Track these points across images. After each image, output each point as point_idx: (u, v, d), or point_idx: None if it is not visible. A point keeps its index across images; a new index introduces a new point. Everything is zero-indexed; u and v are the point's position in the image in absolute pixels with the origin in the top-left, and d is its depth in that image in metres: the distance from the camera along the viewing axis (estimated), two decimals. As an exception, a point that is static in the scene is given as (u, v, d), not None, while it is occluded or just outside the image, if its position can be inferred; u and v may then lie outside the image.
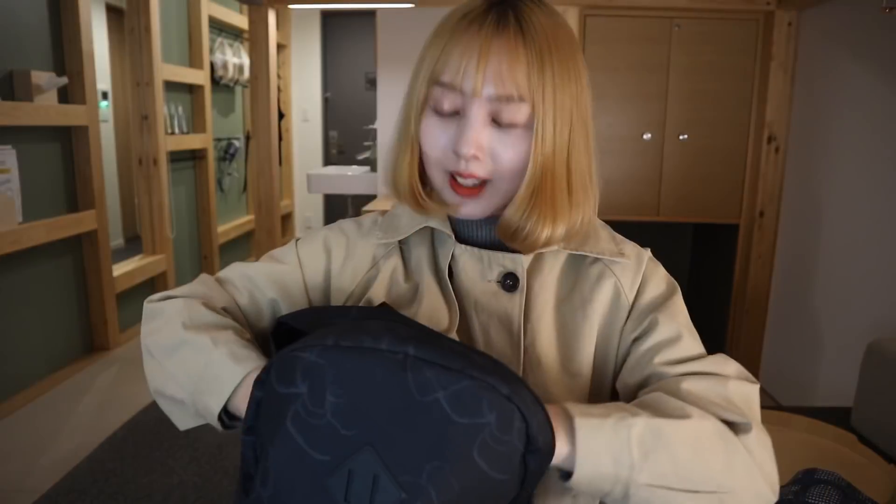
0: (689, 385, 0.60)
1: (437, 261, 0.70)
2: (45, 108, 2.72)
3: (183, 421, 0.67)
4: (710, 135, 2.81)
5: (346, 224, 0.76)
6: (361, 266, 0.72)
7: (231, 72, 4.71)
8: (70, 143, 3.00)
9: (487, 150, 0.62)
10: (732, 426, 0.58)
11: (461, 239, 0.70)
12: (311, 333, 0.55)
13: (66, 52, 2.94)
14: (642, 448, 0.53)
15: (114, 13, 4.68)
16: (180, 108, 4.08)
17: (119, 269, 3.42)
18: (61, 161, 2.95)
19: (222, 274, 0.75)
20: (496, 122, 0.62)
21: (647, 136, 2.82)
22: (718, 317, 3.09)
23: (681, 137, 2.82)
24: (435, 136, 0.64)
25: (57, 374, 2.92)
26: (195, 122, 4.33)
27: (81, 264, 3.12)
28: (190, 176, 4.34)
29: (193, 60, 4.26)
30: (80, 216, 3.00)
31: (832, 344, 2.38)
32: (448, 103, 0.62)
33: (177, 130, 4.03)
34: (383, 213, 0.77)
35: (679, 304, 0.68)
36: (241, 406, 0.60)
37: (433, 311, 0.67)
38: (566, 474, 0.54)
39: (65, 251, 3.00)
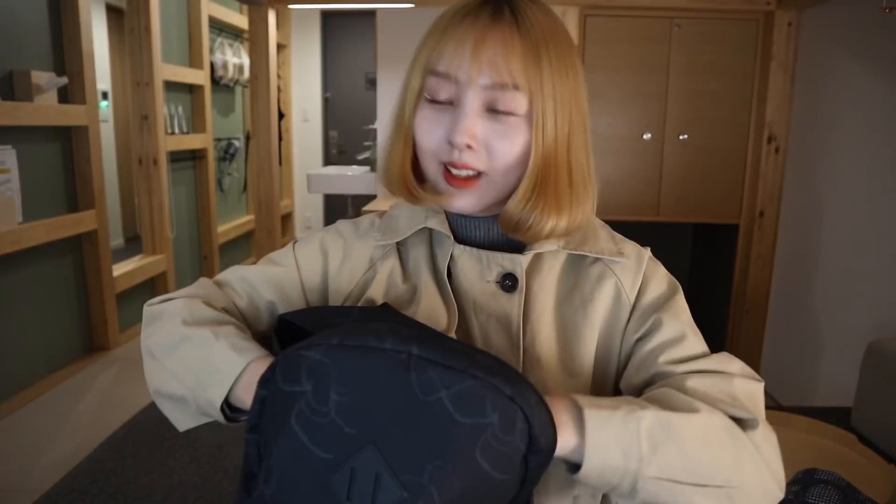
0: (694, 382, 0.60)
1: (436, 261, 0.70)
2: (45, 108, 2.72)
3: (183, 421, 0.67)
4: (710, 135, 2.82)
5: (344, 226, 0.76)
6: (359, 267, 0.72)
7: (231, 72, 4.71)
8: (70, 143, 3.00)
9: (482, 141, 0.62)
10: (739, 422, 0.58)
11: (460, 239, 0.70)
12: (314, 332, 0.55)
13: (66, 52, 2.94)
14: (651, 441, 0.53)
15: (114, 13, 4.68)
16: (180, 108, 4.08)
17: (119, 269, 3.43)
18: (61, 161, 2.95)
19: (220, 277, 0.75)
20: (492, 112, 0.61)
21: (647, 136, 2.82)
22: (718, 317, 3.09)
23: (681, 137, 2.82)
24: (429, 127, 0.64)
25: (57, 374, 2.92)
26: (195, 122, 4.33)
27: (81, 264, 3.13)
28: (190, 176, 4.34)
29: (193, 60, 4.26)
30: (80, 216, 3.00)
31: (832, 344, 2.38)
32: (443, 93, 0.62)
33: (177, 130, 4.03)
34: (381, 214, 0.76)
35: (681, 304, 0.68)
36: (243, 397, 0.60)
37: (431, 311, 0.67)
38: (574, 467, 0.54)
39: (65, 251, 3.00)
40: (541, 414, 0.50)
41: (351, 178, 3.86)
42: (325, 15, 5.87)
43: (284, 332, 0.65)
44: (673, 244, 3.45)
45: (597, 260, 0.69)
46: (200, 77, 4.25)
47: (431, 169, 0.66)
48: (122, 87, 5.09)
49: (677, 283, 0.71)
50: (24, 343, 2.74)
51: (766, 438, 0.58)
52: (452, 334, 0.66)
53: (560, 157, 0.63)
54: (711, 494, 0.54)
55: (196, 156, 4.37)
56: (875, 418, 1.66)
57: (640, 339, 0.66)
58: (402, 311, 0.67)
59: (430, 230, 0.71)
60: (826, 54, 2.49)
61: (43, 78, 2.70)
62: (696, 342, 0.65)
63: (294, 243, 0.76)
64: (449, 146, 0.62)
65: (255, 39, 3.00)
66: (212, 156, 4.48)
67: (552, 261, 0.69)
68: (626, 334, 0.68)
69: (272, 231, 3.12)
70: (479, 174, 0.63)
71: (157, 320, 0.68)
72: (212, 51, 4.47)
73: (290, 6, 3.28)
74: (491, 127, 0.62)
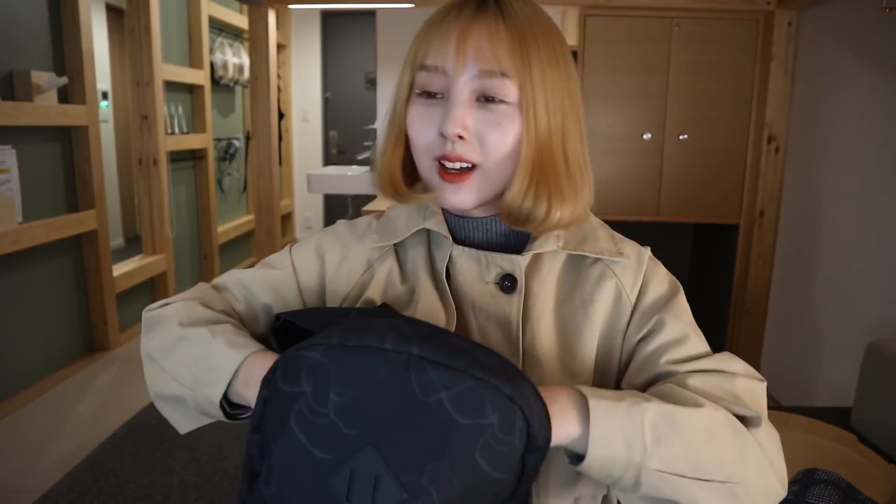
0: (695, 381, 0.60)
1: (434, 262, 0.70)
2: (45, 108, 2.72)
3: (184, 423, 0.67)
4: (710, 135, 2.82)
5: (340, 228, 0.76)
6: (356, 269, 0.72)
7: (231, 72, 4.71)
8: (70, 143, 3.00)
9: (474, 131, 0.62)
10: (743, 420, 0.58)
11: (458, 240, 0.70)
12: (313, 331, 0.55)
13: (66, 52, 2.94)
14: (655, 433, 0.52)
15: (114, 13, 4.68)
16: (180, 108, 4.08)
17: (119, 269, 3.43)
18: (61, 161, 2.95)
19: (218, 281, 0.75)
20: (482, 102, 0.61)
21: (647, 136, 2.82)
22: (718, 317, 3.09)
23: (681, 137, 2.82)
24: (421, 122, 0.64)
25: (57, 374, 2.92)
26: (195, 122, 4.33)
27: (81, 264, 3.13)
28: (190, 176, 4.34)
29: (193, 60, 4.26)
30: (80, 216, 3.00)
31: (832, 344, 2.38)
32: (433, 86, 0.62)
33: (177, 130, 4.03)
34: (379, 215, 0.76)
35: (682, 304, 0.68)
36: (241, 393, 0.60)
37: (429, 312, 0.66)
38: (577, 458, 0.54)
39: (65, 251, 3.00)
40: (539, 412, 0.50)
41: (351, 178, 3.86)
42: (325, 15, 5.87)
43: (282, 332, 0.65)
44: (673, 244, 3.45)
45: (597, 260, 0.69)
46: (200, 77, 4.25)
47: (426, 166, 0.65)
48: (122, 87, 5.10)
49: (678, 282, 0.71)
50: (24, 343, 2.74)
51: (768, 436, 0.58)
52: None
53: (555, 146, 0.63)
54: (714, 489, 0.54)
55: (196, 156, 4.37)
56: (875, 418, 1.66)
57: (641, 340, 0.66)
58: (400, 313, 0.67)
59: (429, 231, 0.71)
60: (826, 54, 2.49)
61: (43, 78, 2.70)
62: (698, 342, 0.65)
63: (291, 246, 0.76)
64: (442, 139, 0.62)
65: (255, 39, 3.00)
66: (212, 156, 4.49)
67: (552, 261, 0.69)
68: (628, 335, 0.67)
69: (272, 231, 3.12)
70: (473, 167, 0.63)
71: (156, 325, 0.68)
72: (212, 51, 4.47)
73: (290, 6, 3.28)
74: (482, 117, 0.61)
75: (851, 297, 2.27)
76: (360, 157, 4.13)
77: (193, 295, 0.71)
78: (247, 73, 4.82)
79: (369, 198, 3.62)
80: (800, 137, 2.67)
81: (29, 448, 2.37)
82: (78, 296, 3.11)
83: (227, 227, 4.86)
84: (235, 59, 4.79)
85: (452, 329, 0.66)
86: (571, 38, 2.93)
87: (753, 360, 2.90)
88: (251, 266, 0.76)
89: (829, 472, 1.28)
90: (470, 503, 0.48)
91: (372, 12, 3.45)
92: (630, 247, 0.71)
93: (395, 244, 0.72)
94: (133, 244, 4.89)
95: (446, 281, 0.68)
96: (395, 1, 2.86)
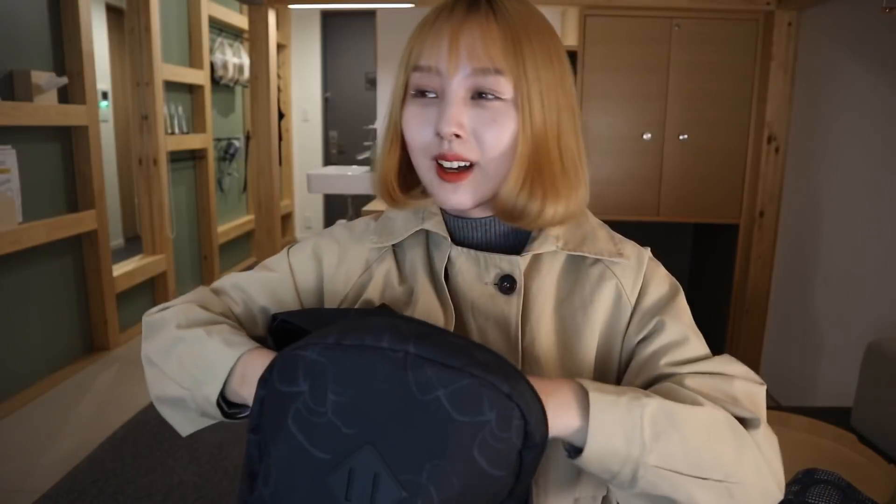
0: (694, 382, 0.60)
1: (433, 263, 0.70)
2: (45, 108, 2.72)
3: (184, 425, 0.68)
4: (710, 135, 2.81)
5: (338, 229, 0.76)
6: (354, 270, 0.72)
7: (231, 72, 4.71)
8: (70, 143, 3.00)
9: (470, 129, 0.62)
10: (741, 421, 0.58)
11: (457, 241, 0.70)
12: (310, 331, 0.55)
13: (66, 52, 2.94)
14: (654, 428, 0.53)
15: (114, 13, 4.68)
16: (180, 108, 4.08)
17: (119, 269, 3.43)
18: (61, 161, 2.96)
19: (216, 285, 0.75)
20: (477, 99, 0.61)
21: (647, 136, 2.82)
22: (718, 317, 3.09)
23: (681, 137, 2.82)
24: (417, 122, 0.64)
25: (57, 374, 2.92)
26: (195, 122, 4.33)
27: (81, 264, 3.13)
28: (190, 176, 4.34)
29: (193, 60, 4.26)
30: (80, 216, 3.00)
31: (832, 344, 2.38)
32: (427, 86, 0.63)
33: (177, 130, 4.03)
34: (377, 216, 0.76)
35: (683, 305, 0.68)
36: (238, 391, 0.60)
37: (428, 313, 0.66)
38: (576, 452, 0.54)
39: (65, 251, 3.00)
40: (536, 409, 0.50)
41: (351, 178, 3.86)
42: (325, 15, 5.87)
43: (280, 333, 0.65)
44: (673, 244, 3.45)
45: (597, 261, 0.69)
46: (200, 77, 4.26)
47: (424, 167, 0.65)
48: (122, 87, 5.10)
49: (678, 284, 0.70)
50: (24, 343, 2.74)
51: (767, 439, 0.58)
52: None
53: (550, 142, 0.63)
54: (711, 488, 0.54)
55: (196, 156, 4.37)
56: (875, 418, 1.66)
57: (641, 341, 0.66)
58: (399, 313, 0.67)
59: (427, 232, 0.71)
60: (826, 54, 2.49)
61: (43, 78, 2.70)
62: (698, 344, 0.65)
63: (289, 248, 0.76)
64: (438, 139, 0.62)
65: (255, 39, 3.00)
66: (212, 156, 4.49)
67: (551, 262, 0.69)
68: (627, 336, 0.67)
69: (272, 231, 3.12)
70: (471, 165, 0.63)
71: (155, 329, 0.68)
72: (212, 51, 4.47)
73: (290, 6, 3.28)
74: (478, 115, 0.61)
75: (851, 297, 2.27)
76: (360, 157, 4.13)
77: (192, 298, 0.71)
78: (247, 73, 4.83)
79: (369, 198, 3.62)
80: (800, 137, 2.67)
81: (29, 448, 2.37)
82: (78, 296, 3.11)
83: (227, 227, 4.87)
84: (235, 59, 4.79)
85: (451, 330, 0.66)
86: (571, 39, 2.93)
87: (753, 359, 2.90)
88: (251, 267, 0.76)
89: (829, 472, 1.28)
90: (469, 501, 0.48)
91: (372, 12, 3.45)
92: (630, 247, 0.71)
93: (393, 245, 0.72)
94: (133, 244, 4.89)
95: (445, 282, 0.68)
96: (395, 1, 2.86)
